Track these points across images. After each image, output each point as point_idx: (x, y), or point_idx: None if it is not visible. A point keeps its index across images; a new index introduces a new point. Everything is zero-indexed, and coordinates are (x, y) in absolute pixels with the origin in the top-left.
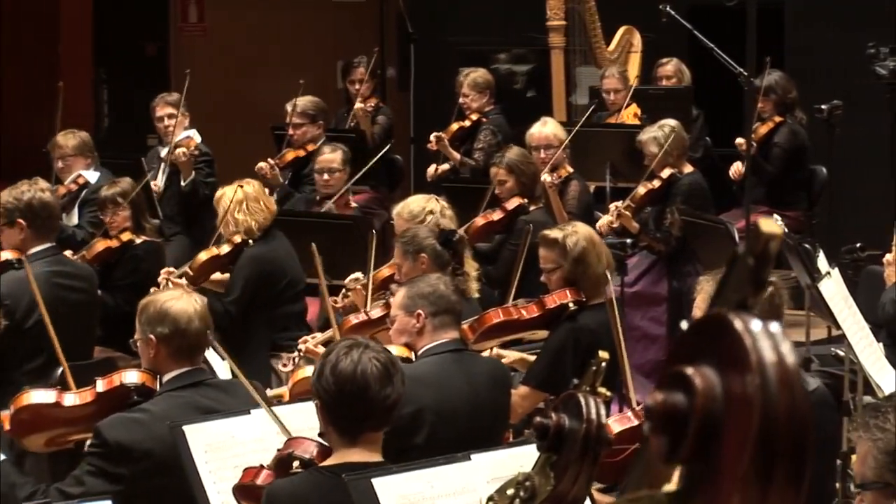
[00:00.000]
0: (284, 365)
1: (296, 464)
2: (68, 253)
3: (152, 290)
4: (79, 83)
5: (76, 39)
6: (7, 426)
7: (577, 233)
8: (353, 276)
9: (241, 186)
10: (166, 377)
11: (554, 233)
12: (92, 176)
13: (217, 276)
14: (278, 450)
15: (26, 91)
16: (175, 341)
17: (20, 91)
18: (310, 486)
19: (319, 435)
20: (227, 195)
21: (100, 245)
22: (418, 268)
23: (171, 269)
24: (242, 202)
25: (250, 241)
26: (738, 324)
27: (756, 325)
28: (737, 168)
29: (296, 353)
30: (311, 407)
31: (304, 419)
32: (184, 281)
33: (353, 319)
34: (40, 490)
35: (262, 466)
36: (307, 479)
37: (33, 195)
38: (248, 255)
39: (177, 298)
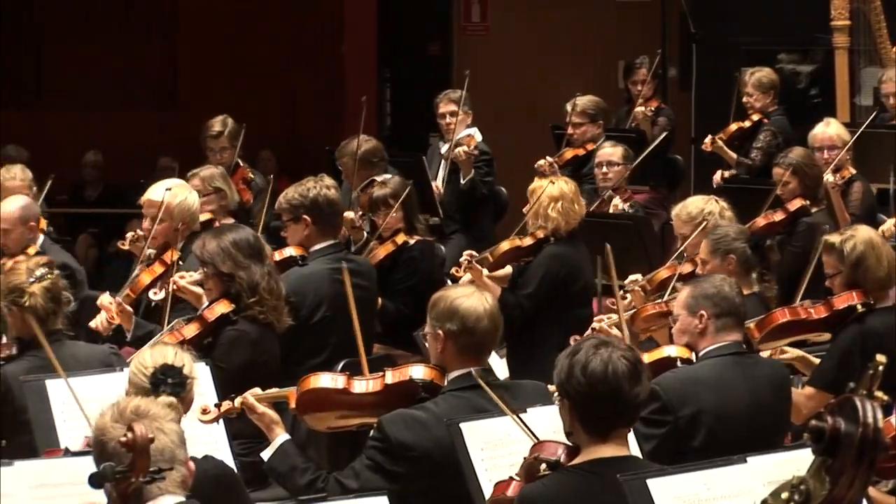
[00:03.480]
0: (576, 340)
1: (543, 467)
2: None
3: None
4: (363, 83)
5: (360, 40)
6: (292, 404)
7: (854, 237)
8: (632, 277)
9: (561, 183)
10: (451, 375)
11: (833, 238)
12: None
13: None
14: (525, 458)
15: (312, 92)
16: (462, 339)
17: (306, 92)
18: (562, 486)
19: (567, 435)
20: (543, 187)
21: (381, 252)
22: (725, 268)
23: (474, 252)
24: (558, 200)
25: (551, 239)
26: None
27: None
28: None
29: (588, 332)
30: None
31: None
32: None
33: (651, 309)
34: (320, 478)
35: (511, 478)
36: (559, 479)
37: (319, 192)
38: (549, 253)
39: (468, 296)
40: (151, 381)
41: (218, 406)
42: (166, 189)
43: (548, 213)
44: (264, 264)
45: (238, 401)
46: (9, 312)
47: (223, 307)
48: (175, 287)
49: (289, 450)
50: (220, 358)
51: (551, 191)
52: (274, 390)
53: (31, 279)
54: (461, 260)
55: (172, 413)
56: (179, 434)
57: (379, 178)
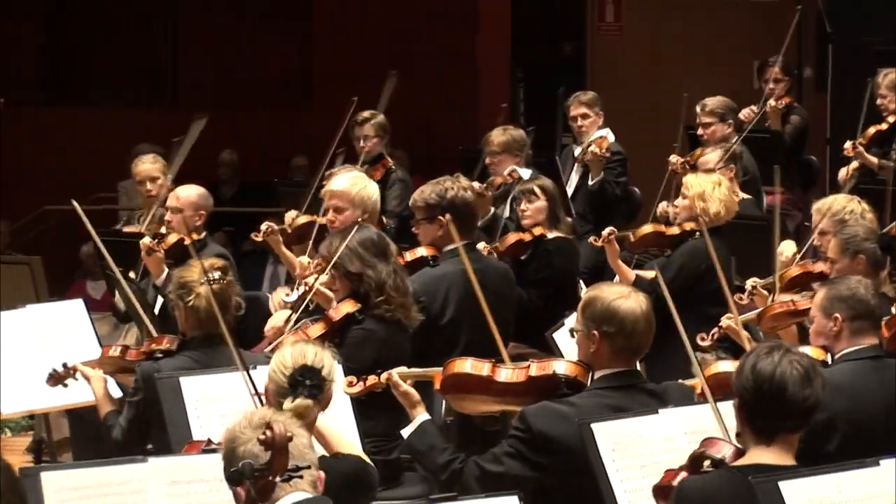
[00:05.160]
0: (703, 339)
1: (707, 463)
2: (481, 245)
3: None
4: (496, 83)
5: (495, 39)
6: (437, 386)
7: None
8: (751, 280)
9: (717, 175)
10: (599, 373)
11: None
12: (525, 173)
13: None
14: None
15: (446, 91)
16: (619, 341)
17: (440, 92)
18: (719, 484)
19: (737, 436)
20: (699, 179)
21: (512, 237)
22: (854, 268)
23: (615, 229)
24: (720, 184)
25: (697, 234)
26: None
27: None
28: None
29: (715, 330)
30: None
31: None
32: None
33: (779, 308)
34: (458, 458)
35: (681, 468)
36: (717, 477)
37: (457, 193)
38: (692, 246)
39: (625, 297)
40: (290, 382)
41: (363, 379)
42: (349, 178)
43: (713, 196)
44: (390, 262)
45: (384, 376)
46: (176, 307)
47: (348, 307)
48: (308, 288)
49: (428, 429)
50: (348, 357)
51: (713, 177)
52: (419, 370)
53: (202, 280)
54: (603, 232)
55: (299, 421)
56: (308, 438)
57: (519, 169)
